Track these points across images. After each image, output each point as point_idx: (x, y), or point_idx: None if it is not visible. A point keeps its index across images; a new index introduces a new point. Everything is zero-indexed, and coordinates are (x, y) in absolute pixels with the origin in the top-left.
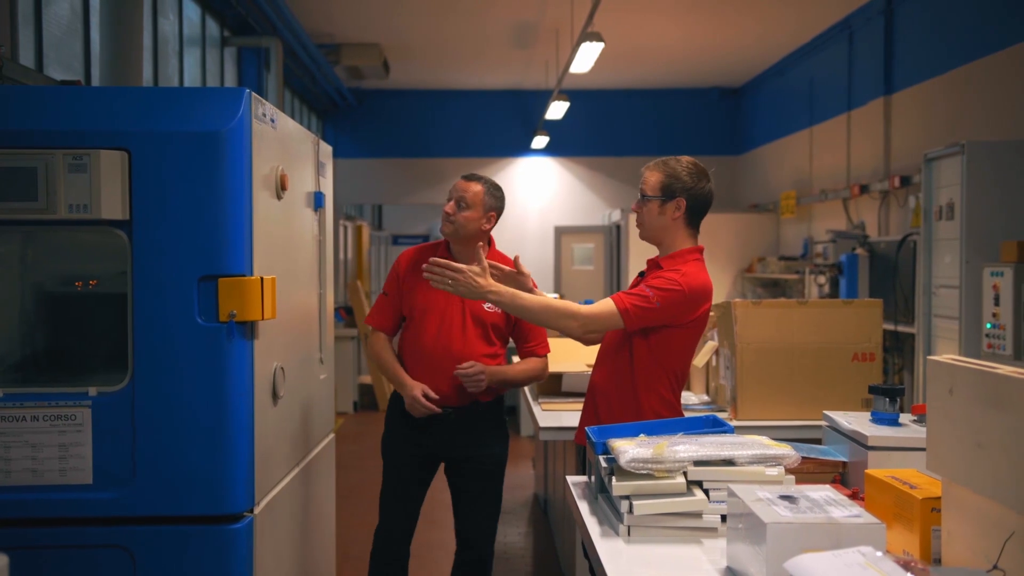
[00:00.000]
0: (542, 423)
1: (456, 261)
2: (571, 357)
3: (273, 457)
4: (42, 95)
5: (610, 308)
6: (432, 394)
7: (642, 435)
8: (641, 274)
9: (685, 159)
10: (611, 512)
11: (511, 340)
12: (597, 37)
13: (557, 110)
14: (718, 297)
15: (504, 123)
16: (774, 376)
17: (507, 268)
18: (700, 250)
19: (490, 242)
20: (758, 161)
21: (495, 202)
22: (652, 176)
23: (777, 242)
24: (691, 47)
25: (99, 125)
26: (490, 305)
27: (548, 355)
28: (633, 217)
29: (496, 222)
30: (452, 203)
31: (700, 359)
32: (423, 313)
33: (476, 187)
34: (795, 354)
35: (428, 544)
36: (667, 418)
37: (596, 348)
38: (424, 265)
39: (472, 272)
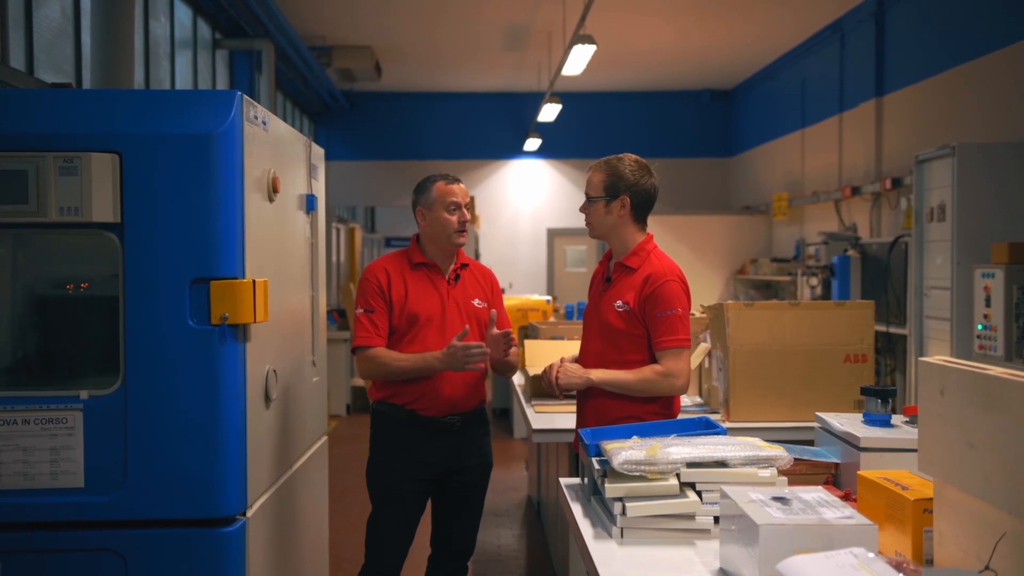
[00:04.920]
0: (535, 425)
1: (436, 264)
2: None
3: (266, 460)
4: (33, 98)
5: (683, 352)
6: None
7: (635, 437)
8: (608, 279)
9: (628, 157)
10: (604, 514)
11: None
12: (589, 39)
13: (549, 112)
14: (710, 299)
15: (496, 125)
16: (766, 378)
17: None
18: (651, 237)
19: None
20: (750, 163)
21: None
22: (595, 177)
23: (769, 244)
24: (683, 49)
25: (90, 128)
26: (479, 301)
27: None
28: None
29: None
30: (463, 211)
31: (692, 361)
32: (426, 321)
33: (464, 187)
34: (787, 356)
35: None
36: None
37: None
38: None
39: (566, 365)
